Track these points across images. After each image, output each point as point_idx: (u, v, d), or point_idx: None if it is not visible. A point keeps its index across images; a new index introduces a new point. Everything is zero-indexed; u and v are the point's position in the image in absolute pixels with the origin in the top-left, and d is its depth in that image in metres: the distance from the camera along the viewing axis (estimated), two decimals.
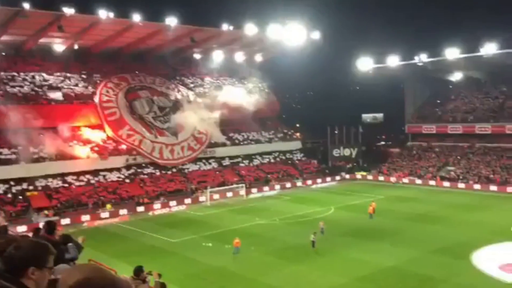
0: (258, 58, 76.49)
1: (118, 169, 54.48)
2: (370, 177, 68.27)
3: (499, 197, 51.65)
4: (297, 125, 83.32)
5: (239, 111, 66.10)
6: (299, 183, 64.10)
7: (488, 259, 29.57)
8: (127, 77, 63.77)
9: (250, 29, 63.35)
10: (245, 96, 68.94)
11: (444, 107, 75.35)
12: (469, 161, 64.21)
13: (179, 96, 66.02)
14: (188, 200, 53.13)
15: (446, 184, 59.92)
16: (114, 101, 59.30)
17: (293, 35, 65.34)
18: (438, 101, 77.38)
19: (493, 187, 55.58)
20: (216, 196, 54.70)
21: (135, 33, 58.47)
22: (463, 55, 63.41)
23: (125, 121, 58.34)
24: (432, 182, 61.34)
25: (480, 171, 60.37)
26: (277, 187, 61.54)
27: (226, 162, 64.34)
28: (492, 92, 72.27)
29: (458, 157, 66.02)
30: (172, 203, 51.80)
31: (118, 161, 54.63)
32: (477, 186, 57.03)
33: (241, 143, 68.18)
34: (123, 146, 56.32)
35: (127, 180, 54.00)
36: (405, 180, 63.91)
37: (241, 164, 65.14)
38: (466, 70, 73.16)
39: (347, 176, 69.42)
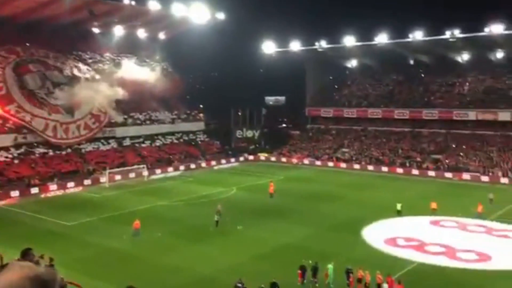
0: (161, 36, 74.44)
1: (6, 148, 50.42)
2: (273, 158, 70.15)
3: (388, 177, 55.82)
4: (201, 106, 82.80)
5: (141, 90, 64.05)
6: (203, 164, 64.07)
7: (376, 233, 32.03)
8: (17, 50, 58.83)
9: (153, 5, 61.31)
10: (147, 74, 66.92)
11: (341, 92, 79.35)
12: (362, 143, 68.51)
13: (75, 72, 62.34)
14: (87, 181, 50.73)
15: (343, 165, 63.46)
16: (0, 75, 54.48)
17: (197, 14, 64.43)
18: (336, 86, 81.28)
19: (384, 168, 59.94)
20: (117, 177, 52.89)
21: (26, 1, 53.84)
22: (358, 43, 67.23)
23: (13, 96, 53.94)
24: (330, 163, 64.60)
25: (372, 153, 64.73)
26: (181, 168, 60.98)
27: (127, 142, 62.29)
28: (384, 79, 77.43)
29: (352, 140, 70.19)
30: (70, 184, 49.14)
31: (5, 139, 50.52)
32: (370, 167, 61.10)
33: (143, 123, 66.37)
34: (11, 124, 52.18)
35: (16, 160, 50.21)
36: (306, 161, 66.58)
37: (143, 145, 63.49)
38: (361, 58, 77.65)
39: (251, 157, 70.71)
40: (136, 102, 66.00)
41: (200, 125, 74.21)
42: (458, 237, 31.06)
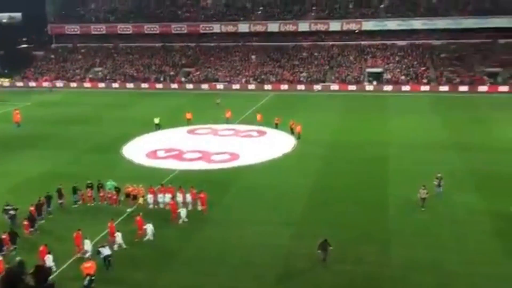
0: None
1: None
2: (19, 83, 62.69)
3: (144, 93, 56.10)
4: None
5: None
6: None
7: (136, 149, 32.47)
8: None
9: None
10: None
11: (87, 6, 73.99)
12: (115, 61, 66.37)
13: None
14: None
15: (98, 85, 60.74)
16: None
17: None
18: (80, 0, 75.12)
19: (140, 84, 59.58)
20: None
21: None
22: None
23: None
24: (85, 84, 61.20)
25: (125, 70, 63.48)
26: None
27: None
28: None
29: (104, 58, 67.25)
30: None
31: None
32: (125, 85, 59.98)
33: None
34: None
35: None
36: (58, 84, 61.46)
37: None
38: None
39: None
40: None
41: None
42: (212, 142, 33.88)
